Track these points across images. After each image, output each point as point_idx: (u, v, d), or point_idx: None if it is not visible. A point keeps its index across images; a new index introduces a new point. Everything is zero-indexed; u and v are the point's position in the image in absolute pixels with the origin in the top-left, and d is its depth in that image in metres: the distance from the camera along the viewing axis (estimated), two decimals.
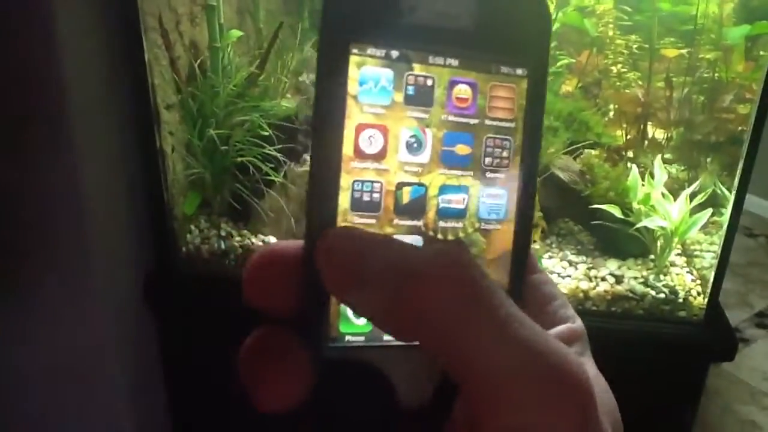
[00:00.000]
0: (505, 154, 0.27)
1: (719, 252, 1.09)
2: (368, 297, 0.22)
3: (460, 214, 0.27)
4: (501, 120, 0.27)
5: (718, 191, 1.17)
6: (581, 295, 1.16)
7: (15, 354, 1.17)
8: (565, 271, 1.19)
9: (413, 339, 0.22)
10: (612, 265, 1.20)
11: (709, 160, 1.30)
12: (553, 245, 1.26)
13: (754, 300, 2.34)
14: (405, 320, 0.22)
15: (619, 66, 1.37)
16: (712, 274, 1.11)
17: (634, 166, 1.19)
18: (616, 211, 1.15)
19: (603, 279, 1.17)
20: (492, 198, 0.27)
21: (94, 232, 1.09)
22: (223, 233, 1.24)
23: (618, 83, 1.37)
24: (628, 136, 1.34)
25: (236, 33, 1.22)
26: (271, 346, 0.24)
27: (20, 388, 1.21)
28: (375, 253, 0.22)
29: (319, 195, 0.24)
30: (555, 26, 1.36)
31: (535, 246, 1.21)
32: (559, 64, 1.39)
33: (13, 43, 0.96)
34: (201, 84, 1.19)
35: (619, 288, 1.16)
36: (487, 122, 0.27)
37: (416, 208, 0.26)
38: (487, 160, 0.27)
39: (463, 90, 0.26)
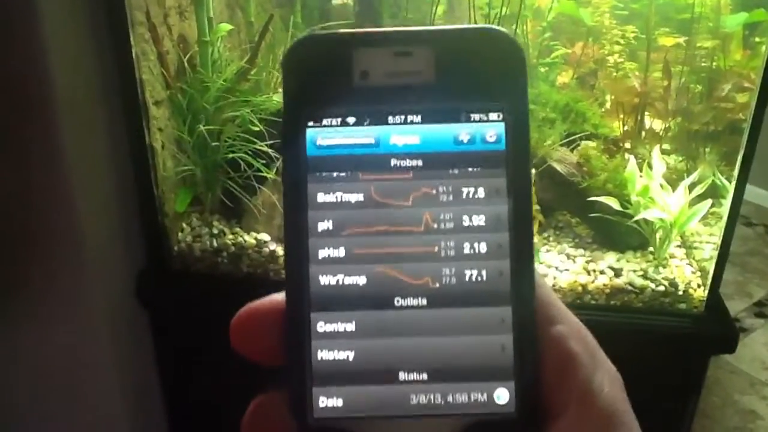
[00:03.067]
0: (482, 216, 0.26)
1: (719, 243, 1.08)
2: None
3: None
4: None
5: (717, 182, 1.15)
6: (580, 288, 1.14)
7: (5, 355, 1.16)
8: (564, 265, 1.18)
9: None
10: (611, 257, 1.18)
11: (707, 150, 1.28)
12: (551, 238, 1.24)
13: (752, 289, 2.33)
14: None
15: (616, 56, 1.35)
16: (712, 265, 1.10)
17: (631, 157, 1.17)
18: (614, 203, 1.14)
19: (602, 272, 1.16)
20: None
21: (84, 231, 1.08)
22: (215, 231, 1.22)
23: (615, 73, 1.35)
24: (626, 127, 1.32)
25: (226, 27, 1.20)
26: (264, 416, 0.25)
27: (12, 389, 1.19)
28: None
29: (293, 280, 0.25)
30: (550, 16, 1.34)
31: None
32: (554, 55, 1.37)
33: None
34: (190, 79, 1.17)
35: (618, 281, 1.14)
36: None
37: None
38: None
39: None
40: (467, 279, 0.25)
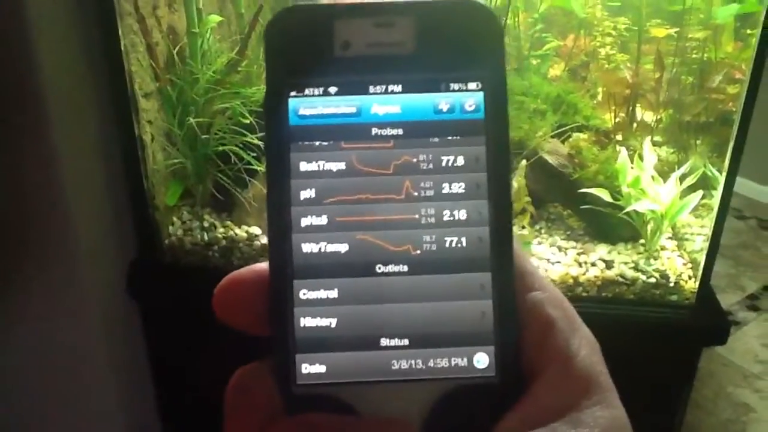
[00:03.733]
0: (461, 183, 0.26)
1: (710, 235, 1.08)
2: None
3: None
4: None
5: (709, 173, 1.15)
6: (571, 281, 1.14)
7: None
8: (555, 257, 1.18)
9: None
10: (602, 249, 1.18)
11: (698, 141, 1.28)
12: (542, 230, 1.24)
13: (745, 282, 2.34)
14: None
15: (608, 48, 1.34)
16: (703, 257, 1.10)
17: (623, 148, 1.17)
18: (605, 195, 1.13)
19: (593, 264, 1.16)
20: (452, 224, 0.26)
21: (74, 225, 1.07)
22: (206, 224, 1.21)
23: (606, 65, 1.35)
24: (617, 119, 1.31)
25: (215, 18, 1.19)
26: (248, 384, 0.25)
27: (4, 383, 1.19)
28: None
29: (276, 243, 0.25)
30: (542, 7, 1.34)
31: (524, 232, 1.20)
32: (546, 47, 1.36)
33: None
34: (180, 71, 1.16)
35: (609, 273, 1.14)
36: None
37: None
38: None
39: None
40: (447, 246, 0.26)
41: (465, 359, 0.25)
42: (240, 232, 1.20)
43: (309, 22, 0.26)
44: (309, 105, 0.26)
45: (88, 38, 1.05)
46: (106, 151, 1.12)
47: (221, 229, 1.21)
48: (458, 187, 0.26)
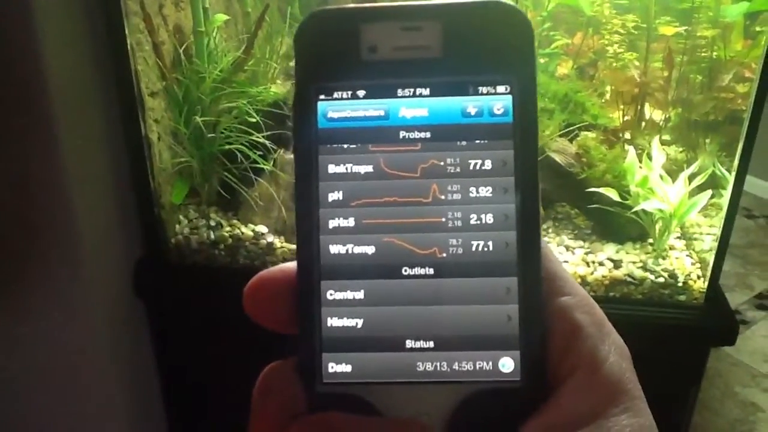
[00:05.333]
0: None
1: (719, 234, 1.07)
2: None
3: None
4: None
5: (718, 172, 1.14)
6: (579, 280, 1.13)
7: (2, 347, 1.15)
8: (563, 256, 1.17)
9: None
10: (610, 249, 1.18)
11: (707, 140, 1.27)
12: (550, 230, 1.23)
13: (753, 281, 2.32)
14: None
15: (616, 46, 1.34)
16: (712, 256, 1.09)
17: (631, 147, 1.16)
18: (613, 194, 1.13)
19: (601, 264, 1.15)
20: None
21: (80, 224, 1.07)
22: (212, 223, 1.21)
23: (614, 63, 1.34)
24: (626, 117, 1.31)
25: (222, 17, 1.19)
26: (274, 381, 0.25)
27: (9, 381, 1.19)
28: None
29: (304, 255, 0.26)
30: (551, 6, 1.33)
31: None
32: (553, 45, 1.36)
33: None
34: (186, 70, 1.16)
35: (617, 273, 1.14)
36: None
37: None
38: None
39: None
40: (474, 249, 0.26)
41: (490, 363, 0.25)
42: (246, 230, 1.20)
43: (337, 26, 0.26)
44: (337, 108, 0.26)
45: (95, 37, 1.04)
46: (112, 150, 1.12)
47: (227, 228, 1.21)
48: (485, 191, 0.26)
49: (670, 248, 1.18)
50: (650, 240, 1.18)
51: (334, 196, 0.26)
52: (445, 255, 0.26)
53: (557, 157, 1.18)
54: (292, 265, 0.26)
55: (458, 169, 0.26)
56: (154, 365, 1.29)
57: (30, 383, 1.19)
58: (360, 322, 0.25)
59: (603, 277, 1.13)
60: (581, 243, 1.20)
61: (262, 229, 1.20)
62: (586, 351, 0.24)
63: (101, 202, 1.12)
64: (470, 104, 0.26)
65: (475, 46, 0.26)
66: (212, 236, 1.19)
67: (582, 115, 1.25)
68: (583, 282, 1.14)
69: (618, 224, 1.17)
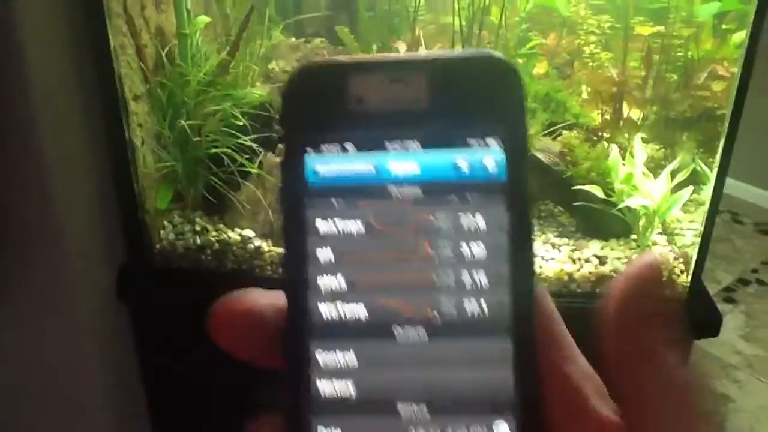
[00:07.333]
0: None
1: (702, 230, 1.10)
2: None
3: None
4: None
5: (698, 168, 1.17)
6: (566, 277, 1.15)
7: None
8: (549, 254, 1.18)
9: None
10: (595, 246, 1.20)
11: (684, 137, 1.30)
12: (535, 228, 1.25)
13: (720, 275, 2.38)
14: None
15: (592, 46, 1.36)
16: (695, 251, 1.11)
17: (614, 146, 1.18)
18: (598, 192, 1.14)
19: (587, 261, 1.17)
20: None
21: (63, 229, 1.05)
22: (197, 228, 1.20)
23: (591, 63, 1.36)
24: (605, 116, 1.33)
25: (204, 19, 1.18)
26: None
27: None
28: None
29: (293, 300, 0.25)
30: (528, 7, 1.35)
31: None
32: (529, 45, 1.37)
33: None
34: (170, 73, 1.14)
35: (603, 269, 1.15)
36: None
37: None
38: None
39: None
40: (466, 309, 0.25)
41: (484, 427, 0.24)
42: (233, 234, 1.19)
43: (325, 79, 0.26)
44: (325, 163, 0.25)
45: (77, 39, 1.02)
46: (95, 155, 1.10)
47: (214, 233, 1.19)
48: (478, 248, 0.25)
49: (653, 244, 1.21)
50: (633, 236, 1.21)
51: (323, 253, 0.25)
52: (437, 315, 0.25)
53: (542, 156, 1.20)
54: (260, 292, 0.25)
55: (450, 226, 0.25)
56: (138, 370, 1.27)
57: (13, 388, 1.16)
58: (350, 384, 0.25)
59: (589, 273, 1.15)
60: (566, 240, 1.21)
61: (249, 233, 1.19)
62: (590, 418, 0.24)
63: (85, 206, 1.10)
64: (461, 159, 0.25)
65: (465, 99, 0.25)
66: (198, 241, 1.18)
67: (564, 115, 1.27)
68: (570, 279, 1.15)
69: (602, 221, 1.19)
